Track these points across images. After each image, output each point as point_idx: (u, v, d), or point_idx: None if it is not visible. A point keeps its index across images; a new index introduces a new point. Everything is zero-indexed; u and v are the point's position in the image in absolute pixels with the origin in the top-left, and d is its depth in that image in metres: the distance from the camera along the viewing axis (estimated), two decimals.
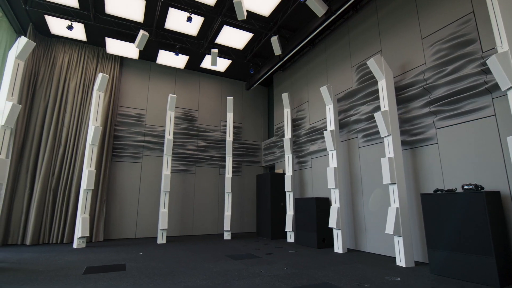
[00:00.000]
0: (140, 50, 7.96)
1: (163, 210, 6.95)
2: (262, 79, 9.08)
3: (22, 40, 4.78)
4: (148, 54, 8.27)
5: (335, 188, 5.83)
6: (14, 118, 4.62)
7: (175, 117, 8.80)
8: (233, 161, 9.44)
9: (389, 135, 4.76)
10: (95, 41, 7.61)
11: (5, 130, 4.56)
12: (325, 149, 7.08)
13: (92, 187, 6.22)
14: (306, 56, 8.24)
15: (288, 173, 7.58)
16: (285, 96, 8.00)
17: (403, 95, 5.14)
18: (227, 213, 7.72)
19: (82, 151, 7.18)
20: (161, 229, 6.87)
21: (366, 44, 6.16)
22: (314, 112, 7.67)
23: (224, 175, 9.25)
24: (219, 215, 8.92)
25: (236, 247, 6.14)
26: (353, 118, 6.25)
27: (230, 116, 8.38)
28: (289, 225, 7.19)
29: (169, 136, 7.42)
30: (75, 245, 6.02)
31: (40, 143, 6.92)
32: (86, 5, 6.17)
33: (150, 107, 8.57)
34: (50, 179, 6.86)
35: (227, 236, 7.65)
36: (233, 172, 9.41)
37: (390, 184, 4.63)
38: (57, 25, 6.77)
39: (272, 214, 7.68)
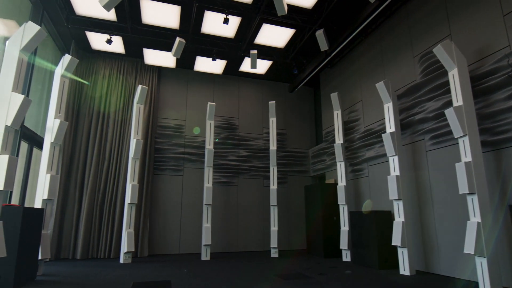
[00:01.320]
0: (177, 59, 8.47)
1: (206, 225, 7.20)
2: (307, 79, 9.02)
3: (66, 58, 5.43)
4: (185, 62, 8.76)
5: (398, 199, 5.50)
6: (62, 135, 5.23)
7: (215, 126, 9.13)
8: (278, 171, 9.45)
9: (465, 135, 4.38)
10: (133, 53, 8.30)
11: (54, 147, 5.19)
12: (385, 155, 6.74)
13: (136, 202, 6.71)
14: (358, 49, 8.01)
15: (341, 183, 7.36)
16: (334, 96, 7.84)
17: (481, 86, 4.71)
18: (274, 228, 7.72)
19: (125, 165, 7.80)
20: (204, 245, 7.11)
21: (431, 29, 5.79)
22: (369, 112, 7.39)
23: (269, 186, 9.28)
24: (265, 231, 8.94)
25: (285, 265, 6.10)
26: (417, 117, 5.88)
27: (273, 122, 8.44)
28: (344, 242, 6.94)
29: (209, 146, 7.71)
30: (121, 260, 6.52)
31: (86, 158, 7.70)
32: (123, 17, 6.79)
33: (189, 117, 9.03)
34: (97, 194, 7.57)
35: (274, 253, 7.63)
36: (278, 183, 9.41)
37: (468, 194, 4.23)
38: (97, 40, 7.55)
39: (324, 230, 7.49)
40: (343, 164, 7.43)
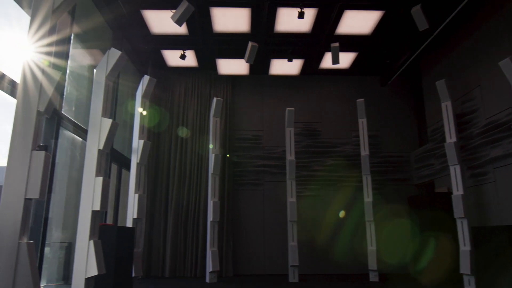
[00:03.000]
0: (250, 65, 8.86)
1: (292, 244, 7.27)
2: (403, 68, 8.47)
3: (145, 79, 6.24)
4: (259, 67, 9.10)
5: None
6: (146, 154, 5.98)
7: (295, 134, 9.17)
8: (372, 180, 8.97)
9: None
10: (206, 65, 9.00)
11: (140, 167, 5.97)
12: None
13: (218, 219, 7.19)
14: (470, 22, 7.17)
15: (457, 191, 6.63)
16: (441, 85, 7.15)
17: None
18: (371, 247, 7.37)
19: (205, 181, 8.47)
20: (292, 266, 7.18)
21: None
22: (491, 100, 6.55)
23: (362, 199, 8.89)
24: (361, 250, 8.54)
25: None
26: None
27: (362, 123, 8.14)
28: (465, 266, 6.21)
29: (290, 157, 7.81)
30: (207, 280, 7.04)
31: (169, 176, 8.62)
32: (194, 29, 7.45)
33: (267, 126, 9.33)
34: (180, 212, 8.41)
35: (373, 277, 7.29)
36: (373, 194, 8.94)
37: None
38: (172, 57, 8.47)
39: (435, 250, 6.86)
40: (458, 167, 6.69)
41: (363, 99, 8.26)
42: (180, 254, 8.13)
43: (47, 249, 5.01)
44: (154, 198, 8.43)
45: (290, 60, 8.13)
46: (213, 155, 7.44)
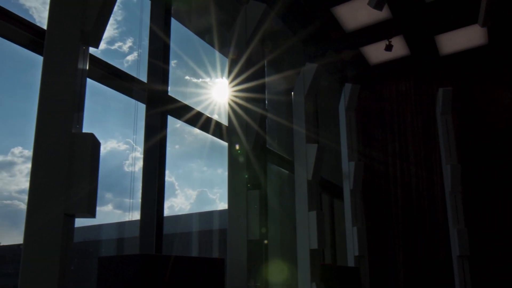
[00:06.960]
0: (489, 30, 8.10)
1: None
2: None
3: (347, 88, 6.74)
4: (505, 29, 8.16)
5: None
6: (360, 178, 6.41)
7: None
8: None
9: None
10: (422, 48, 8.81)
11: (355, 194, 6.47)
12: None
13: (468, 253, 6.82)
14: None
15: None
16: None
17: None
18: None
19: (441, 202, 8.22)
20: None
21: None
22: None
23: None
24: None
25: None
26: None
27: None
28: None
29: None
30: None
31: (390, 201, 8.84)
32: (399, 8, 7.44)
33: None
34: (411, 245, 8.45)
35: None
36: None
37: None
38: (374, 52, 8.77)
39: None
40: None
41: None
42: None
43: None
44: (376, 229, 8.75)
45: None
46: (448, 165, 7.15)
